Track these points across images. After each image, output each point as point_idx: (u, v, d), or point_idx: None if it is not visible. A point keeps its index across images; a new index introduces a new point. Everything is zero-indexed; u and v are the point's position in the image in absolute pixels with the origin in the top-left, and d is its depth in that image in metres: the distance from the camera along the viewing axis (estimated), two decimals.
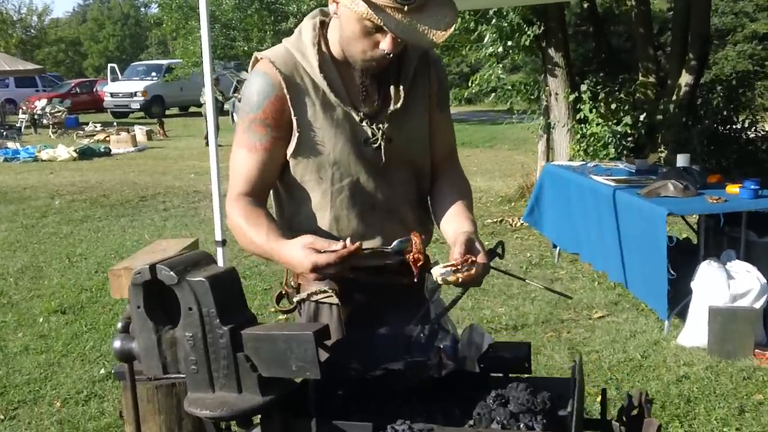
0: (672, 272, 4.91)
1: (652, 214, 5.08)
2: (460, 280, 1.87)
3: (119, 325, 1.82)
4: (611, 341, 5.15)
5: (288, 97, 2.04)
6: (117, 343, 1.80)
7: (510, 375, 1.97)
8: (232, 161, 2.12)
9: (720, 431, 3.87)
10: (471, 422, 1.68)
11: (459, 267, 1.87)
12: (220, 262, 4.65)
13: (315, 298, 2.27)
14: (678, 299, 5.14)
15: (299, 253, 1.86)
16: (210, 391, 1.66)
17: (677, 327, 5.25)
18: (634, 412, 1.92)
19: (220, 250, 4.59)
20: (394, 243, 1.96)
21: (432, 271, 1.93)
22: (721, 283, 4.88)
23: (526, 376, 1.92)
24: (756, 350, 4.78)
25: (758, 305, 4.84)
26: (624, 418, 1.91)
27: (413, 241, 1.91)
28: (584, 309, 5.87)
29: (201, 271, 1.66)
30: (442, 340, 2.03)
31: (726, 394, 4.28)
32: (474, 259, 1.90)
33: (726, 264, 5.07)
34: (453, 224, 2.12)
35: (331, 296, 2.23)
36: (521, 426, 1.62)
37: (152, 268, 1.66)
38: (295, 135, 2.07)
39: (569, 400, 1.79)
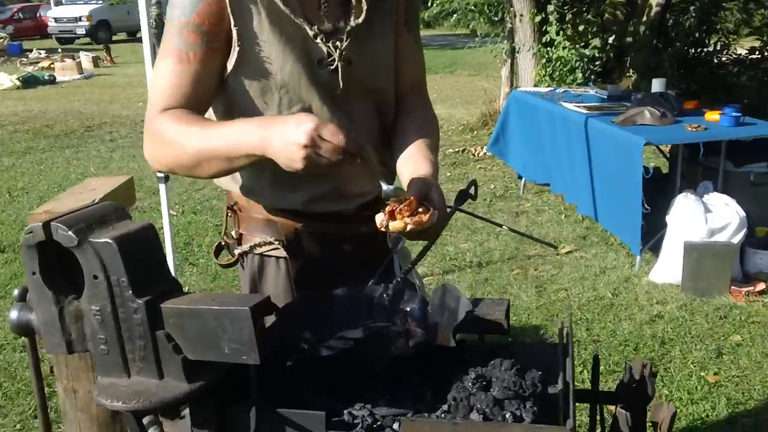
0: (646, 206, 4.68)
1: (628, 144, 4.82)
2: (408, 228, 1.56)
3: (15, 292, 1.48)
4: (580, 278, 4.95)
5: (228, 1, 1.66)
6: (13, 314, 1.46)
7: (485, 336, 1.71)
8: (155, 75, 1.73)
9: (697, 375, 3.70)
10: (445, 407, 1.39)
11: (400, 211, 1.57)
12: (163, 201, 4.27)
13: (259, 250, 1.95)
14: (650, 233, 4.93)
15: (292, 120, 1.51)
16: (124, 376, 1.34)
17: (649, 263, 5.06)
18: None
19: (162, 186, 4.20)
20: (390, 186, 1.63)
21: (376, 217, 1.62)
22: (697, 217, 4.67)
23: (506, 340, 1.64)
24: (732, 287, 4.61)
25: (736, 240, 4.65)
26: (622, 393, 1.65)
27: (408, 200, 1.59)
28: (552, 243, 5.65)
29: (109, 230, 1.31)
30: (408, 302, 1.73)
31: (702, 335, 4.11)
32: (428, 208, 1.59)
33: (703, 196, 4.85)
34: (409, 166, 1.80)
35: (278, 248, 1.91)
36: (507, 415, 1.33)
37: (46, 226, 1.31)
38: (235, 49, 1.70)
39: (558, 374, 1.52)
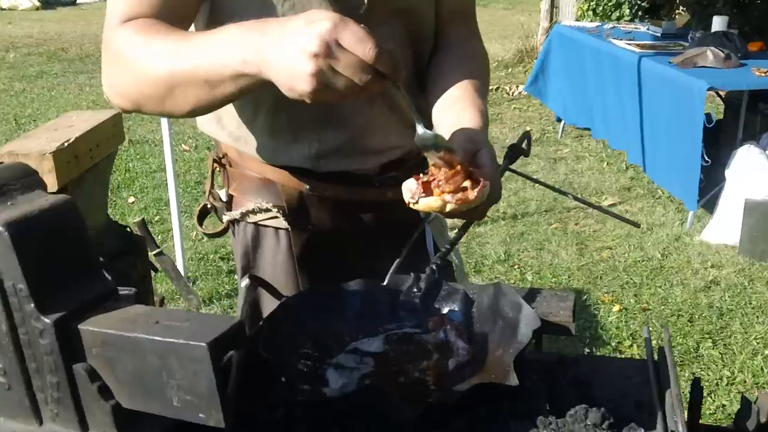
0: (706, 158, 4.15)
1: (689, 88, 4.26)
2: (448, 208, 1.11)
3: None
4: (626, 236, 4.47)
5: None
6: None
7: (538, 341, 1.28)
8: None
9: (762, 354, 3.25)
10: None
11: (439, 183, 1.12)
12: (165, 133, 3.81)
13: (253, 218, 1.51)
14: (705, 188, 4.41)
15: (300, 18, 1.00)
16: (34, 423, 0.91)
17: (700, 220, 4.57)
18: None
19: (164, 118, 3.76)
20: (428, 131, 1.15)
21: (403, 186, 1.17)
22: (761, 172, 4.15)
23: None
24: None
25: None
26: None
27: (453, 170, 1.13)
28: (593, 195, 5.15)
29: (5, 207, 0.87)
30: (446, 299, 1.28)
31: (764, 306, 3.65)
32: (477, 178, 1.13)
33: (767, 149, 4.32)
34: (450, 115, 1.33)
35: (277, 217, 1.47)
36: None
37: None
38: None
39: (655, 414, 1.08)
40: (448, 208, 1.13)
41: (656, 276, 3.98)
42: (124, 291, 2.30)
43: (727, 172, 4.33)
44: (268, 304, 1.54)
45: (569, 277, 3.98)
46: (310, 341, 1.18)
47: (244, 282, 1.37)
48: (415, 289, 1.29)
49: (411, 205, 1.17)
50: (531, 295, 1.39)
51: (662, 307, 3.66)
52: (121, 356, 0.83)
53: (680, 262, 4.14)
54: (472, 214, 1.20)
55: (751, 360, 3.21)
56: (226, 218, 1.55)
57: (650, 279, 3.95)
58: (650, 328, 1.25)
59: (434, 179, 1.13)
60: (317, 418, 1.02)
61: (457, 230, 1.50)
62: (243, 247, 1.55)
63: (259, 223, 1.51)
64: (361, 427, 1.00)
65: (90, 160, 2.36)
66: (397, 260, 1.41)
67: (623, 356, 3.20)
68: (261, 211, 1.49)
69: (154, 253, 3.23)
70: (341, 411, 1.00)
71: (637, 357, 3.21)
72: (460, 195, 1.12)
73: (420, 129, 1.13)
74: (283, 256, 1.51)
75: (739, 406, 1.29)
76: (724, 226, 4.32)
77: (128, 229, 2.80)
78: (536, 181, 1.60)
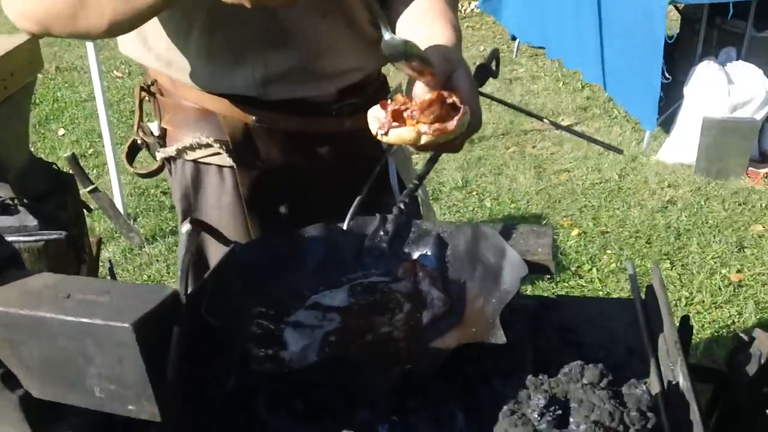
0: (667, 75, 4.05)
1: (649, 3, 4.10)
2: (423, 141, 0.96)
3: None
4: (583, 158, 4.38)
5: None
6: None
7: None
8: None
9: (719, 273, 3.23)
10: None
11: (413, 113, 0.97)
12: (92, 58, 3.52)
13: (192, 155, 1.33)
14: (662, 106, 4.32)
15: None
16: None
17: (657, 139, 4.49)
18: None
19: (90, 44, 3.46)
20: (395, 37, 0.98)
21: (368, 115, 1.01)
22: (720, 89, 4.07)
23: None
24: (749, 169, 4.09)
25: (759, 116, 4.08)
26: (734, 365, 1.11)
27: (428, 99, 0.97)
28: (549, 116, 5.03)
29: None
30: (417, 242, 1.14)
31: (720, 225, 3.61)
32: (455, 104, 0.98)
33: (725, 65, 4.23)
34: (420, 26, 1.16)
35: (220, 153, 1.29)
36: None
37: None
38: None
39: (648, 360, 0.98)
40: (423, 140, 0.97)
41: (614, 198, 3.92)
42: (53, 235, 2.09)
43: (686, 90, 4.23)
44: (215, 253, 1.38)
45: (528, 202, 3.88)
46: (263, 298, 1.03)
47: (185, 228, 1.20)
48: (382, 233, 1.14)
49: (380, 137, 1.01)
50: (505, 232, 1.25)
51: (620, 229, 3.61)
52: (26, 339, 0.67)
53: (637, 183, 4.07)
54: (449, 146, 1.04)
55: (709, 279, 3.18)
56: (159, 156, 1.37)
57: (608, 201, 3.88)
58: (629, 260, 1.13)
59: (406, 108, 0.97)
60: (276, 388, 0.88)
61: (423, 162, 1.35)
62: (182, 188, 1.37)
63: (199, 160, 1.33)
64: (327, 397, 0.87)
65: (4, 91, 2.10)
66: (358, 198, 1.26)
67: (584, 282, 3.15)
68: (200, 146, 1.30)
69: (87, 189, 3.00)
70: (304, 381, 0.86)
71: (597, 281, 3.15)
72: (437, 125, 0.96)
73: (387, 35, 0.96)
74: (229, 198, 1.34)
75: (732, 346, 1.20)
76: (681, 145, 4.25)
77: (55, 166, 2.57)
78: (513, 106, 1.45)
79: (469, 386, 0.89)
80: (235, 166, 1.30)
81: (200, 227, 1.23)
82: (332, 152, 1.34)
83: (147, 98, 1.37)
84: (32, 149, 4.96)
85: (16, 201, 2.11)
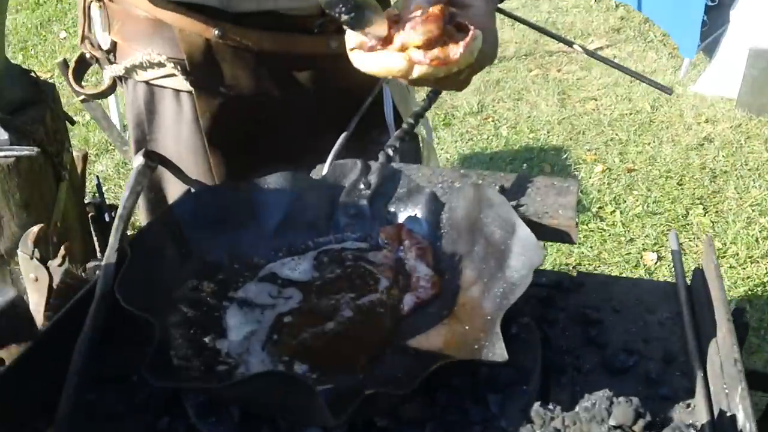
0: None
1: None
2: (416, 73, 0.73)
3: None
4: (612, 85, 4.06)
5: None
6: None
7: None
8: None
9: (757, 223, 2.96)
10: None
11: (408, 32, 0.74)
12: None
13: (144, 76, 1.09)
14: (705, 31, 3.96)
15: None
16: None
17: (695, 68, 4.15)
18: None
19: None
20: None
21: (346, 35, 0.78)
22: None
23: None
24: None
25: None
26: None
27: (428, 12, 0.73)
28: (578, 37, 4.68)
29: None
30: (405, 201, 0.91)
31: (761, 168, 3.33)
32: (462, 25, 0.75)
33: None
34: None
35: (175, 74, 1.05)
36: None
37: None
38: None
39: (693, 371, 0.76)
40: (417, 72, 0.74)
41: (644, 132, 3.63)
42: (24, 151, 1.84)
43: (732, 14, 3.87)
44: (177, 194, 1.17)
45: (548, 133, 3.61)
46: (203, 267, 0.82)
47: (137, 161, 0.99)
48: (362, 185, 0.91)
49: (358, 65, 0.78)
50: (520, 185, 1.03)
51: (649, 167, 3.34)
52: None
53: (671, 116, 3.77)
54: (452, 81, 0.81)
55: (746, 230, 2.93)
56: (107, 73, 1.14)
57: (637, 135, 3.59)
58: (673, 232, 0.91)
59: (397, 26, 0.74)
60: (199, 401, 0.67)
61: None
62: (135, 114, 1.15)
63: (152, 82, 1.10)
64: (269, 410, 0.66)
65: None
66: (343, 135, 1.04)
67: (606, 225, 2.91)
68: (152, 65, 1.07)
69: (79, 99, 2.78)
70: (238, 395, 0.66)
71: (620, 225, 2.92)
72: (437, 52, 0.73)
73: None
74: (187, 129, 1.12)
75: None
76: (723, 76, 3.91)
77: (34, 74, 2.33)
78: (537, 28, 1.19)
79: (454, 407, 0.68)
80: (193, 92, 1.07)
81: (156, 160, 1.03)
82: (313, 79, 1.10)
83: (94, 4, 1.13)
84: (32, 52, 4.71)
85: None
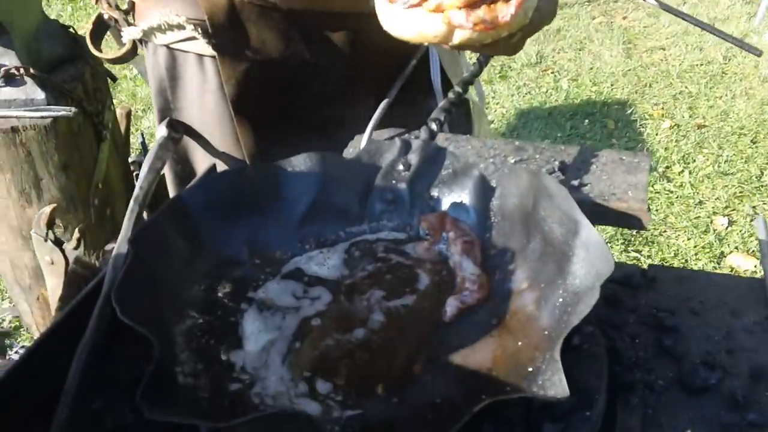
0: None
1: None
2: (458, 39, 0.61)
3: None
4: (682, 33, 3.81)
5: None
6: None
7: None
8: None
9: None
10: None
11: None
12: None
13: (164, 39, 0.99)
14: None
15: None
16: None
17: None
18: None
19: None
20: None
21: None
22: None
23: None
24: None
25: None
26: None
27: None
28: None
29: None
30: (450, 184, 0.79)
31: None
32: None
33: None
34: None
35: (195, 36, 0.95)
36: None
37: None
38: None
39: None
40: (458, 37, 0.62)
41: (716, 85, 3.39)
42: (62, 111, 1.76)
43: None
44: (202, 161, 1.08)
45: (612, 85, 3.40)
46: (217, 263, 0.72)
47: (160, 132, 0.90)
48: (401, 166, 0.80)
49: (387, 27, 0.66)
50: (583, 160, 0.91)
51: (721, 123, 3.12)
52: None
53: (745, 67, 3.52)
54: (501, 46, 0.68)
55: None
56: (125, 36, 1.04)
57: (708, 88, 3.36)
58: (760, 218, 0.77)
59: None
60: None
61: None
62: (157, 81, 1.05)
63: (173, 46, 0.99)
64: None
65: None
66: (384, 103, 0.93)
67: (673, 186, 2.72)
68: (171, 27, 0.97)
69: (121, 53, 2.71)
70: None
71: (688, 186, 2.73)
72: (482, 14, 0.61)
73: None
74: (213, 97, 1.02)
75: None
76: None
77: (73, 30, 2.26)
78: None
79: None
80: (217, 56, 0.96)
81: (180, 131, 0.94)
82: (349, 41, 0.98)
83: None
84: (80, 3, 4.63)
85: (22, 71, 1.84)
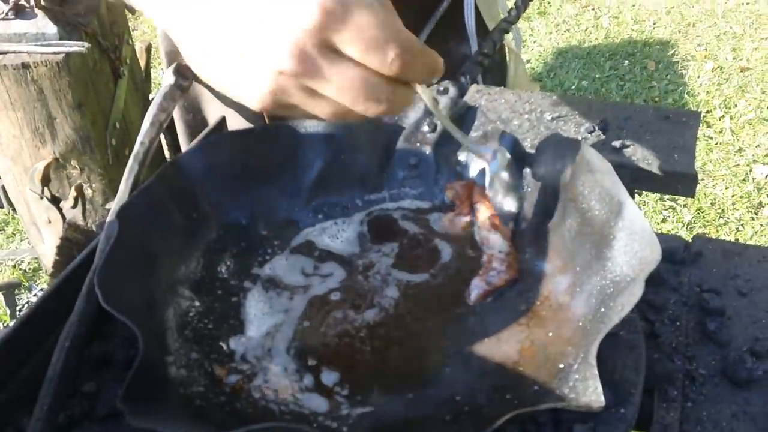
0: None
1: None
2: None
3: None
4: None
5: None
6: None
7: None
8: None
9: None
10: None
11: None
12: None
13: None
14: None
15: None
16: None
17: None
18: None
19: None
20: None
21: None
22: None
23: None
24: None
25: None
26: None
27: None
28: None
29: None
30: (480, 147, 0.72)
31: None
32: None
33: None
34: None
35: None
36: None
37: None
38: None
39: None
40: None
41: (762, 25, 3.21)
42: (75, 46, 1.69)
43: None
44: (215, 110, 1.02)
45: (654, 24, 3.24)
46: (219, 236, 0.66)
47: (167, 79, 0.84)
48: (426, 127, 0.72)
49: None
50: (626, 116, 0.84)
51: (766, 66, 2.96)
52: None
53: None
54: None
55: None
56: None
57: (754, 29, 3.18)
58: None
59: None
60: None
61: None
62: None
63: None
64: None
65: None
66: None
67: (713, 132, 2.60)
68: None
69: None
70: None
71: (729, 132, 2.60)
72: None
73: None
74: None
75: None
76: None
77: None
78: None
79: None
80: None
81: (190, 77, 0.87)
82: None
83: None
84: None
85: (33, 2, 1.76)
